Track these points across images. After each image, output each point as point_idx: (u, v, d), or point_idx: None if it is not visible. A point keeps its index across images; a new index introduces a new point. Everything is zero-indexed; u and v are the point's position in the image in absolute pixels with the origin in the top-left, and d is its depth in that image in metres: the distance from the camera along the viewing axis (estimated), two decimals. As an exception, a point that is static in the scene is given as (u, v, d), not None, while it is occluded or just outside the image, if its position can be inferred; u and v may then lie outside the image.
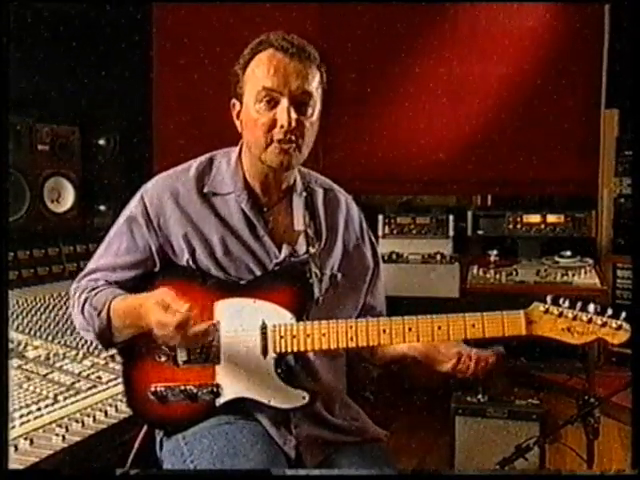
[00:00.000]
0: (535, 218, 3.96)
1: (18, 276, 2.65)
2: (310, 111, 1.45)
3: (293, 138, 1.43)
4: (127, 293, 1.51)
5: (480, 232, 4.05)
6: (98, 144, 3.53)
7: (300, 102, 1.43)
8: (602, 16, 3.95)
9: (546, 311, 1.38)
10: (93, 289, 1.53)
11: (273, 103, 1.42)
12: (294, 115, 1.41)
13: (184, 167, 1.58)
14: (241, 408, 1.49)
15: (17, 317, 2.30)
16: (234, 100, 1.51)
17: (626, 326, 1.34)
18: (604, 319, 1.35)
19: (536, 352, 3.95)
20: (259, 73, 1.43)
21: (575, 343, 1.36)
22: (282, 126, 1.41)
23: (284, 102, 1.41)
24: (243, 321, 1.46)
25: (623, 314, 1.35)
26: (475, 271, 3.67)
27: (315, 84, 1.45)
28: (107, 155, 3.52)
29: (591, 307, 1.36)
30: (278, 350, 1.45)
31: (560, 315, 1.37)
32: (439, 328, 1.40)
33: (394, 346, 1.50)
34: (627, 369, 3.59)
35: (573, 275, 3.52)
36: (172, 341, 1.40)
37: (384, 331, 1.42)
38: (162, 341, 1.42)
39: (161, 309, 1.35)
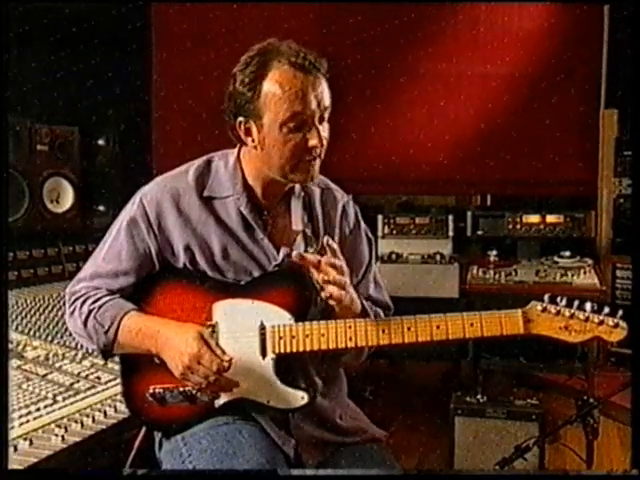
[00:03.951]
0: (534, 218, 3.96)
1: (17, 276, 2.65)
2: (326, 123, 1.47)
3: (318, 153, 1.45)
4: (132, 305, 1.50)
5: (479, 232, 4.05)
6: (97, 144, 3.54)
7: (322, 118, 1.45)
8: (601, 16, 3.96)
9: (544, 310, 1.38)
10: (97, 300, 1.51)
11: (301, 125, 1.42)
12: (324, 134, 1.44)
13: (181, 170, 1.56)
14: (240, 409, 1.49)
15: (16, 317, 2.29)
16: (242, 119, 1.45)
17: (623, 324, 1.35)
18: (601, 317, 1.35)
19: (535, 352, 3.95)
20: (285, 96, 1.39)
21: (573, 341, 1.37)
22: (315, 146, 1.42)
23: (314, 123, 1.42)
24: (242, 322, 1.46)
25: (620, 312, 1.35)
26: (475, 271, 3.67)
27: (329, 96, 1.46)
28: (106, 155, 3.53)
29: (588, 305, 1.37)
30: (277, 351, 1.44)
31: (557, 314, 1.37)
32: (437, 327, 1.40)
33: None
34: (626, 369, 3.60)
35: (572, 275, 3.52)
36: (191, 377, 1.39)
37: (383, 331, 1.41)
38: (180, 373, 1.40)
39: (195, 355, 1.37)
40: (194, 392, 1.46)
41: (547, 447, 2.68)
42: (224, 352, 1.39)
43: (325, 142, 1.46)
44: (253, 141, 1.47)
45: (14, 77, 1.58)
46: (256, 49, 1.44)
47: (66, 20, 3.37)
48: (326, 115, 1.46)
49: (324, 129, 1.46)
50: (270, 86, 1.40)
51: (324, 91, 1.43)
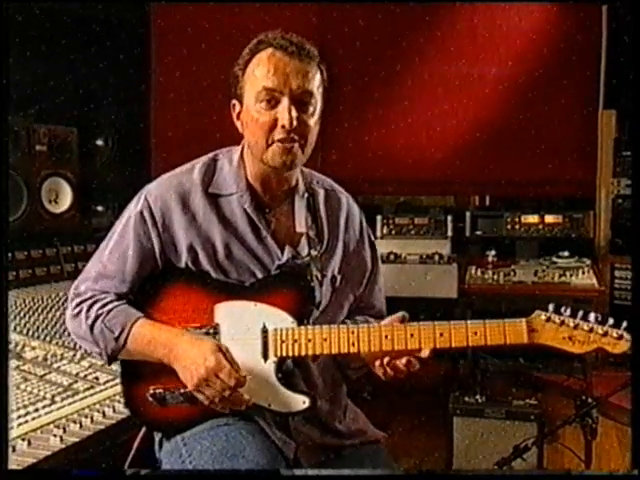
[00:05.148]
0: (533, 218, 3.96)
1: (16, 277, 2.64)
2: (311, 110, 1.44)
3: (295, 137, 1.41)
4: (139, 312, 1.48)
5: (478, 232, 4.05)
6: (96, 144, 3.54)
7: (301, 101, 1.42)
8: (600, 17, 3.96)
9: (548, 319, 1.36)
10: (105, 305, 1.48)
11: (274, 103, 1.41)
12: (295, 114, 1.40)
13: (187, 168, 1.55)
14: (241, 411, 1.48)
15: (15, 318, 2.29)
16: (234, 101, 1.49)
17: (627, 336, 1.32)
18: (605, 328, 1.33)
19: (534, 353, 3.96)
20: (259, 73, 1.42)
21: (576, 352, 1.35)
22: (283, 126, 1.40)
23: (285, 101, 1.40)
24: (243, 324, 1.45)
25: (624, 324, 1.33)
26: (473, 271, 3.67)
27: (316, 82, 1.44)
28: (105, 156, 3.53)
29: (592, 316, 1.34)
30: (279, 354, 1.43)
31: (562, 324, 1.35)
32: (441, 335, 1.37)
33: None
34: (625, 369, 3.60)
35: (571, 275, 3.52)
36: (206, 390, 1.38)
37: (386, 337, 1.39)
38: (195, 384, 1.38)
39: (213, 369, 1.35)
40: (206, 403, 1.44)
41: (546, 447, 2.68)
42: (239, 368, 1.38)
43: (302, 127, 1.41)
44: (242, 124, 1.49)
45: (13, 77, 1.57)
46: (255, 40, 1.47)
47: (66, 21, 3.37)
48: (308, 100, 1.42)
49: (306, 115, 1.42)
50: (252, 65, 1.44)
51: (306, 73, 1.41)
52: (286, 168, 1.46)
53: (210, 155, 1.58)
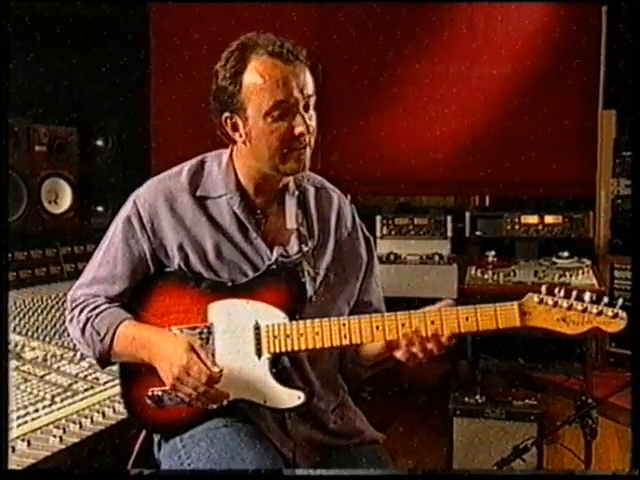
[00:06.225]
0: (533, 219, 3.96)
1: (16, 277, 2.65)
2: (313, 112, 1.47)
3: (307, 141, 1.44)
4: (129, 314, 1.50)
5: (478, 233, 4.05)
6: (96, 145, 3.54)
7: (307, 106, 1.44)
8: (599, 17, 3.96)
9: (540, 301, 1.34)
10: (94, 308, 1.51)
11: (286, 112, 1.42)
12: (310, 122, 1.43)
13: (175, 171, 1.57)
14: (238, 410, 1.49)
15: (14, 318, 2.29)
16: (228, 114, 1.47)
17: (622, 314, 1.30)
18: (600, 307, 1.31)
19: (534, 353, 3.96)
20: (266, 86, 1.40)
21: (570, 333, 1.33)
22: (302, 134, 1.42)
23: (298, 110, 1.42)
24: (237, 322, 1.46)
25: (620, 301, 1.31)
26: (473, 272, 3.67)
27: (312, 85, 1.46)
28: (105, 156, 3.53)
29: (587, 296, 1.32)
30: (272, 350, 1.44)
31: (555, 305, 1.33)
32: (432, 322, 1.37)
33: (374, 345, 1.47)
34: (625, 370, 3.61)
35: (571, 276, 3.52)
36: (181, 388, 1.39)
37: (377, 327, 1.40)
38: (171, 384, 1.40)
39: (184, 367, 1.37)
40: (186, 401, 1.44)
41: (545, 447, 2.68)
42: (215, 363, 1.39)
43: (312, 130, 1.45)
44: (241, 136, 1.48)
45: (13, 77, 1.58)
46: (235, 44, 1.46)
47: (66, 21, 3.37)
48: (311, 103, 1.45)
49: (310, 117, 1.45)
50: (251, 77, 1.42)
51: (306, 78, 1.43)
52: (300, 172, 1.49)
53: (198, 158, 1.59)
